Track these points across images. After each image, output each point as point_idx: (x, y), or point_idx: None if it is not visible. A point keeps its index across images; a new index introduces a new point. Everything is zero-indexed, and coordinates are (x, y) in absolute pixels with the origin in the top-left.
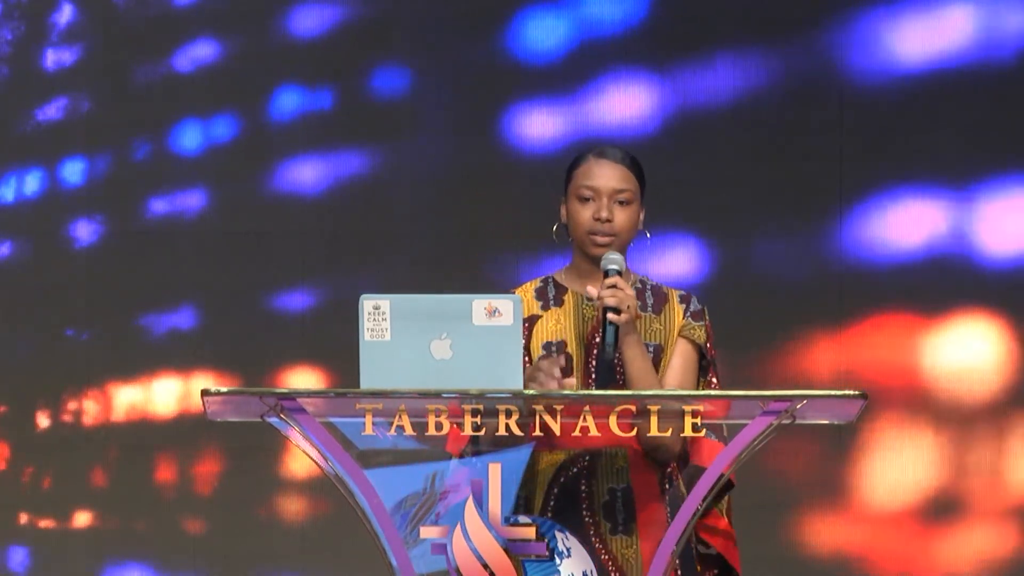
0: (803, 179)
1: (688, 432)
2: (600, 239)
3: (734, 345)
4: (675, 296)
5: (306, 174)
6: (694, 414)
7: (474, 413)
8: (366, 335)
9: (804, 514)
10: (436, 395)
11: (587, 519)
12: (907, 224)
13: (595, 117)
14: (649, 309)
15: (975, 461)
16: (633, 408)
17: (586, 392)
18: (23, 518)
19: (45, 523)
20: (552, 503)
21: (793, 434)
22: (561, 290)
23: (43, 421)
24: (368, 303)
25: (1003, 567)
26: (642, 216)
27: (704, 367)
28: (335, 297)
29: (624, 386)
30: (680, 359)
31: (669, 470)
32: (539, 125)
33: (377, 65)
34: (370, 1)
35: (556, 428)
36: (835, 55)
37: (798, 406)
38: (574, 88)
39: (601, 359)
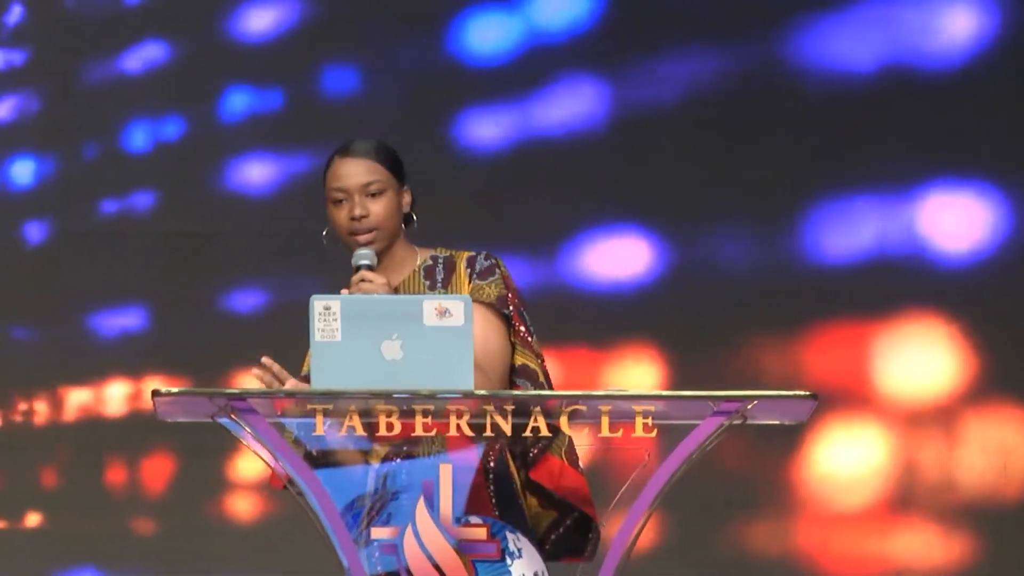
0: (753, 180)
1: (639, 433)
2: (361, 237)
3: (683, 344)
4: (462, 261)
5: (256, 174)
6: (644, 415)
7: (425, 414)
8: (317, 336)
9: (753, 514)
10: (387, 395)
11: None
12: (857, 225)
13: (544, 118)
14: (439, 285)
15: (925, 461)
16: (583, 408)
17: (535, 393)
18: None
19: None
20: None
21: (743, 434)
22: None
23: None
24: (319, 304)
25: (953, 566)
26: (407, 199)
27: (507, 319)
28: (285, 298)
29: None
30: (479, 322)
31: (495, 449)
32: (487, 127)
33: (326, 65)
34: (320, 1)
35: (507, 428)
36: (785, 56)
37: (749, 406)
38: (523, 89)
39: None
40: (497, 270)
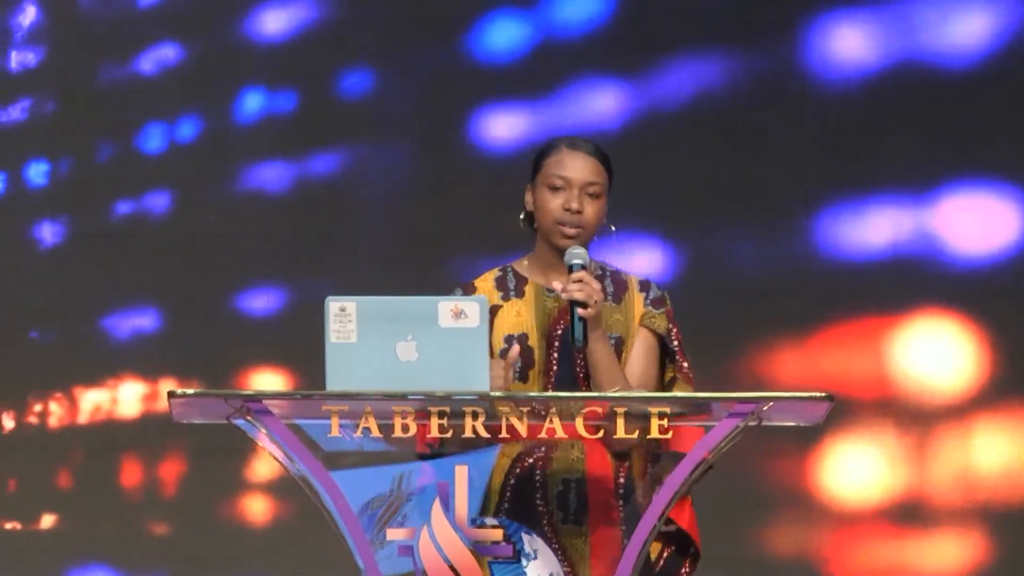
0: (768, 180)
1: (654, 434)
2: (568, 230)
3: (700, 346)
4: (635, 284)
5: (271, 176)
6: (660, 416)
7: (440, 415)
8: (332, 337)
9: (770, 516)
10: (402, 397)
11: (541, 508)
12: (872, 225)
13: (559, 119)
14: (609, 298)
15: (941, 462)
16: (600, 410)
17: (552, 394)
18: None
19: (10, 525)
20: (508, 494)
21: (760, 435)
22: (522, 280)
23: (7, 423)
24: (334, 305)
25: (970, 568)
26: (606, 208)
27: (671, 354)
28: (301, 299)
29: (586, 380)
30: (642, 349)
31: (626, 464)
32: (503, 127)
33: (341, 67)
34: (335, 3)
35: (523, 430)
36: (800, 56)
37: (764, 408)
38: (538, 90)
39: (563, 352)
40: (666, 303)
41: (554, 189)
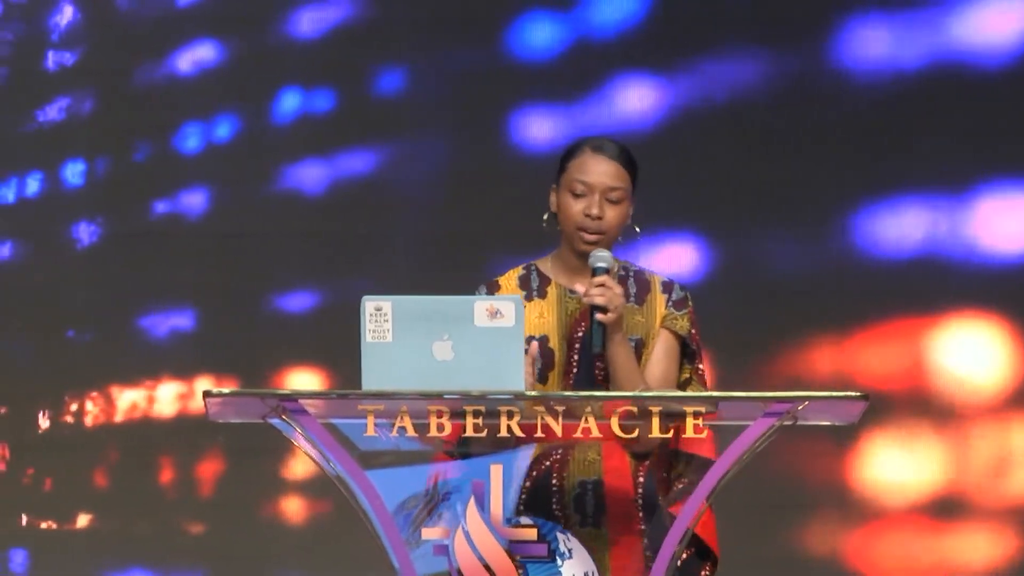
0: (802, 180)
1: (689, 434)
2: (589, 236)
3: (734, 346)
4: (657, 284)
5: (307, 175)
6: (696, 415)
7: (475, 414)
8: (368, 336)
9: (806, 515)
10: (438, 396)
11: (557, 512)
12: (907, 224)
13: (595, 117)
14: (632, 299)
15: (977, 462)
16: (634, 409)
17: (588, 393)
18: (23, 520)
19: (46, 525)
20: (524, 496)
21: (795, 435)
22: (545, 280)
23: (44, 422)
24: (370, 304)
25: (1006, 568)
26: (631, 211)
27: (690, 355)
28: (337, 298)
29: (605, 383)
30: (662, 350)
31: (645, 465)
32: (539, 126)
33: (378, 66)
34: (371, 2)
35: (558, 430)
36: (834, 55)
37: (799, 407)
38: (574, 89)
39: (583, 354)
40: (687, 304)
41: (576, 194)
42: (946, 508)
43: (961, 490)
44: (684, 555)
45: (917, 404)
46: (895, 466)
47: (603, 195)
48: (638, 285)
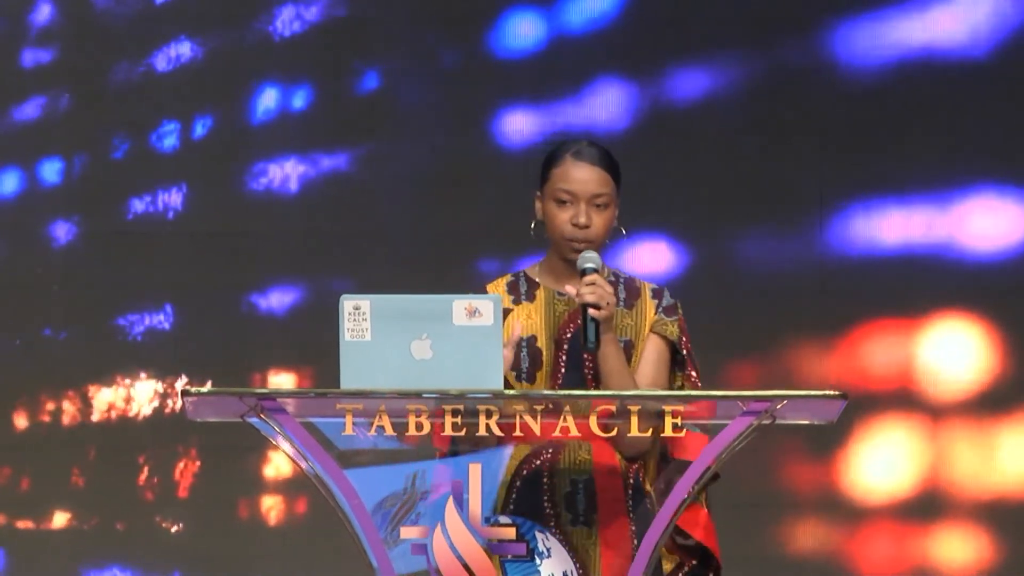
0: (783, 179)
1: (668, 433)
2: (578, 245)
3: (713, 346)
4: (647, 290)
5: (286, 174)
6: (674, 414)
7: (454, 413)
8: (346, 335)
9: (790, 514)
10: (416, 395)
11: (548, 511)
12: (888, 224)
13: (575, 116)
14: (621, 303)
15: (958, 461)
16: (613, 408)
17: (566, 392)
18: (0, 519)
19: (23, 524)
20: (514, 495)
21: (778, 433)
22: (533, 285)
23: (20, 422)
24: (348, 303)
25: (992, 566)
26: (617, 213)
27: (680, 362)
28: (315, 297)
29: (594, 383)
30: (652, 355)
31: (636, 465)
32: (519, 125)
33: (357, 64)
34: (350, 0)
35: (536, 429)
36: (815, 55)
37: (778, 406)
38: (554, 88)
39: (571, 355)
40: (678, 311)
41: (561, 203)
42: (930, 507)
43: (942, 489)
44: (687, 566)
45: (898, 403)
46: (880, 466)
47: (588, 203)
48: (627, 290)
